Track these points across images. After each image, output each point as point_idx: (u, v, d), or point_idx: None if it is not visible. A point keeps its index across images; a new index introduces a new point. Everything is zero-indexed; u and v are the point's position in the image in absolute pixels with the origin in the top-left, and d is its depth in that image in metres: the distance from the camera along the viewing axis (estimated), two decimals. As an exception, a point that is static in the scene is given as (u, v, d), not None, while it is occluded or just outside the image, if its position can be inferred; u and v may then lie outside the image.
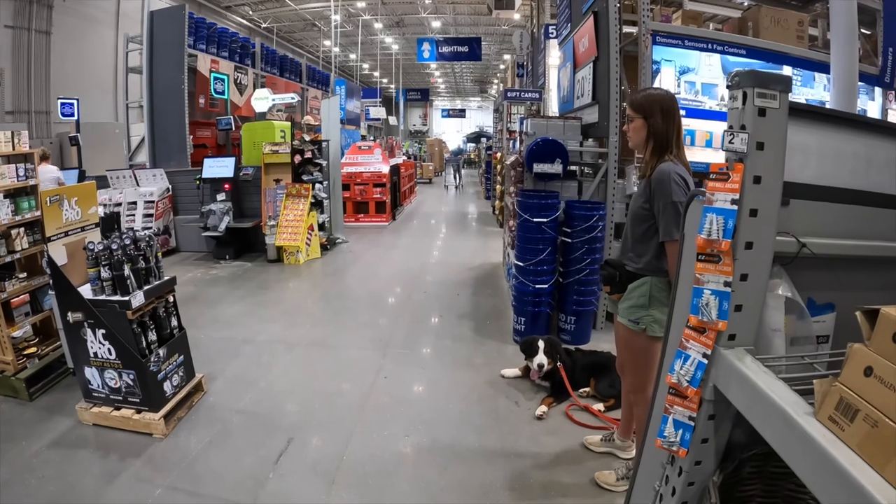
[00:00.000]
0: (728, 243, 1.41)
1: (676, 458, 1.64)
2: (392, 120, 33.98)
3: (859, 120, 1.80)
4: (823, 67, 5.24)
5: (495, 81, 44.05)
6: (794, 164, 1.52)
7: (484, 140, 26.71)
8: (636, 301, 2.97)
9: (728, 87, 1.44)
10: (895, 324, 1.04)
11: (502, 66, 35.90)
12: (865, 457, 1.02)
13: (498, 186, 12.97)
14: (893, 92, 6.30)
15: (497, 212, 13.26)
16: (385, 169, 13.57)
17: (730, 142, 1.41)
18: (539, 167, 5.47)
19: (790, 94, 1.41)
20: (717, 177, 1.44)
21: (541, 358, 4.45)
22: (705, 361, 1.48)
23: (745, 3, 7.18)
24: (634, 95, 3.05)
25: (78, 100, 12.05)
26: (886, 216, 1.68)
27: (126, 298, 3.74)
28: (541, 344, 4.52)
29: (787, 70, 5.64)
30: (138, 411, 3.90)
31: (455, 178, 24.98)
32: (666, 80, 5.48)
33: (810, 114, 1.63)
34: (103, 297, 3.79)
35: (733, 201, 1.41)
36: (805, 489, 1.53)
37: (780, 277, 1.53)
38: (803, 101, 5.40)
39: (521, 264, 5.43)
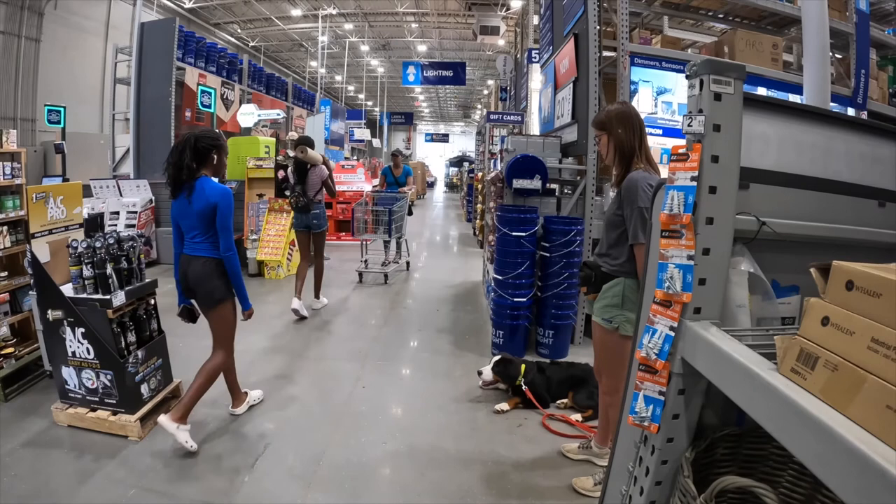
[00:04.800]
0: (689, 217, 1.49)
1: (649, 436, 1.69)
2: (375, 142, 34.16)
3: (816, 112, 1.89)
4: (797, 89, 5.38)
5: (479, 107, 44.52)
6: (754, 152, 1.61)
7: (466, 164, 26.56)
8: (610, 300, 3.10)
9: (686, 76, 1.53)
10: (847, 273, 1.12)
11: (486, 92, 36.32)
12: (828, 400, 1.08)
13: (478, 206, 13.04)
14: (865, 112, 6.49)
15: (477, 232, 13.30)
16: (368, 188, 13.55)
17: (688, 125, 1.50)
18: (518, 183, 5.54)
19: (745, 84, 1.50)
20: (677, 158, 1.53)
21: (483, 368, 4.66)
22: (672, 334, 1.54)
23: (722, 28, 7.38)
24: (596, 116, 3.25)
25: (65, 108, 12.01)
26: (845, 203, 1.76)
27: (107, 297, 3.74)
28: (494, 358, 4.67)
29: (761, 91, 5.79)
30: (114, 413, 3.86)
31: (396, 246, 10.27)
32: (643, 100, 5.62)
33: (769, 105, 1.73)
34: (84, 295, 3.79)
35: (693, 178, 1.49)
36: (780, 471, 1.59)
37: (743, 255, 1.60)
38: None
39: (499, 278, 5.49)
